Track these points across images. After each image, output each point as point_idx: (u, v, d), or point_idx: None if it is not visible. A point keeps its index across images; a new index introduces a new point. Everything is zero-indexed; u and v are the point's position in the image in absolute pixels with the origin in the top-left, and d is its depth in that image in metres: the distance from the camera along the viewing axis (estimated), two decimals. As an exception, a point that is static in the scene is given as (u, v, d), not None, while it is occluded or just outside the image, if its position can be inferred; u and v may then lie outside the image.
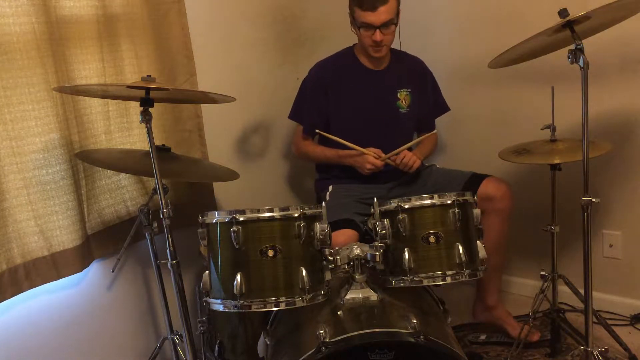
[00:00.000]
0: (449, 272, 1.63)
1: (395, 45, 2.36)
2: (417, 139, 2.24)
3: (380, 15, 2.16)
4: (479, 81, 2.69)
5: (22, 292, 1.79)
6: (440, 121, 2.58)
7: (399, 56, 2.45)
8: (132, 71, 2.06)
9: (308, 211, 1.57)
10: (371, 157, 2.21)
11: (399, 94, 2.39)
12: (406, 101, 2.39)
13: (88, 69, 1.94)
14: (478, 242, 1.69)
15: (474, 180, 2.26)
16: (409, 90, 2.40)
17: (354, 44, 2.43)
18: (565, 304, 2.46)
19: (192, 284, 2.28)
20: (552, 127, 2.12)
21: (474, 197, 1.71)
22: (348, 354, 1.50)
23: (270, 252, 1.53)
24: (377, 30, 2.19)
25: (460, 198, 1.65)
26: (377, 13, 2.16)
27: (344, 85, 2.37)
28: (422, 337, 1.49)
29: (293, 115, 2.50)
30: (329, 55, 2.46)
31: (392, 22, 2.21)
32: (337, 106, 2.38)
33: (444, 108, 2.55)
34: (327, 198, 2.36)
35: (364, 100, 2.38)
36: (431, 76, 2.50)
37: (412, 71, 2.45)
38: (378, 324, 1.57)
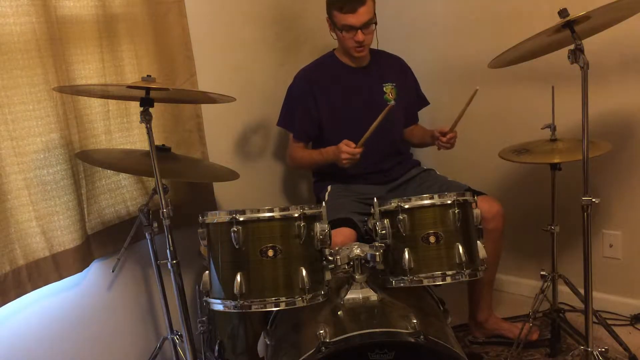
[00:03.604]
0: (449, 272, 1.62)
1: (373, 45, 2.39)
2: (379, 117, 2.19)
3: (361, 16, 2.22)
4: (479, 81, 2.67)
5: (26, 293, 1.79)
6: (440, 121, 2.58)
7: (378, 54, 2.49)
8: (132, 71, 2.06)
9: (308, 211, 1.57)
10: (344, 147, 2.17)
11: (385, 88, 2.42)
12: (392, 94, 2.43)
13: (88, 69, 1.94)
14: (478, 242, 1.69)
15: None
16: (394, 84, 2.44)
17: (333, 49, 2.47)
18: (565, 304, 2.46)
19: (192, 284, 2.28)
20: (552, 127, 2.12)
21: (474, 197, 1.71)
22: (348, 354, 1.50)
23: (270, 252, 1.53)
24: (359, 31, 2.24)
25: (460, 198, 1.65)
26: (357, 14, 2.21)
27: (331, 86, 2.40)
28: (422, 337, 1.49)
29: (282, 123, 2.50)
30: (311, 62, 2.50)
31: (372, 22, 2.27)
32: (327, 107, 2.39)
33: (424, 101, 2.61)
34: (326, 198, 2.36)
35: (352, 98, 2.40)
36: (410, 71, 2.56)
37: (392, 66, 2.50)
38: (378, 324, 1.57)
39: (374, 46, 2.42)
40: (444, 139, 2.24)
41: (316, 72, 2.44)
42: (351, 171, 2.28)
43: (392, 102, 2.13)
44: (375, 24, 2.29)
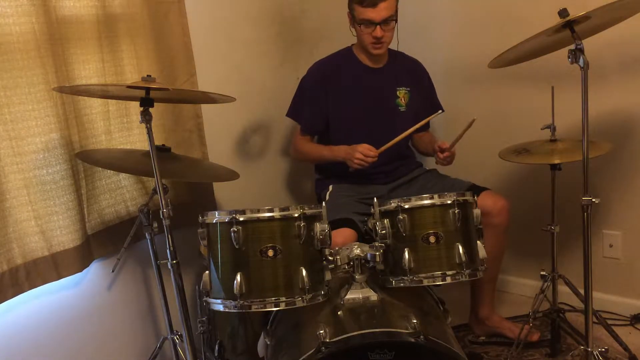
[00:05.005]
0: (449, 272, 1.62)
1: (393, 45, 2.36)
2: (410, 130, 2.19)
3: (381, 11, 2.19)
4: (479, 81, 2.69)
5: (23, 292, 1.79)
6: (440, 121, 2.58)
7: (396, 56, 2.46)
8: (132, 71, 2.06)
9: (308, 211, 1.57)
10: (361, 148, 2.17)
11: (398, 92, 2.40)
12: (405, 99, 2.40)
13: (88, 69, 1.94)
14: (478, 242, 1.69)
15: (472, 191, 2.25)
16: (408, 89, 2.41)
17: (352, 44, 2.44)
18: (565, 304, 2.46)
19: (192, 284, 2.28)
20: (552, 127, 2.12)
21: (474, 197, 1.71)
22: (348, 354, 1.50)
23: (270, 252, 1.53)
24: (378, 27, 2.21)
25: (460, 198, 1.65)
26: (377, 9, 2.18)
27: (343, 83, 2.38)
28: (422, 337, 1.49)
29: (291, 114, 2.50)
30: (328, 55, 2.48)
31: (392, 19, 2.23)
32: (337, 104, 2.38)
33: (438, 109, 2.54)
34: (327, 198, 2.36)
35: (363, 97, 2.38)
36: (428, 77, 2.53)
37: (409, 71, 2.47)
38: (378, 324, 1.57)
39: (393, 46, 2.39)
40: (442, 156, 2.23)
41: (330, 67, 2.42)
42: (355, 172, 2.28)
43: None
44: (396, 21, 2.25)
